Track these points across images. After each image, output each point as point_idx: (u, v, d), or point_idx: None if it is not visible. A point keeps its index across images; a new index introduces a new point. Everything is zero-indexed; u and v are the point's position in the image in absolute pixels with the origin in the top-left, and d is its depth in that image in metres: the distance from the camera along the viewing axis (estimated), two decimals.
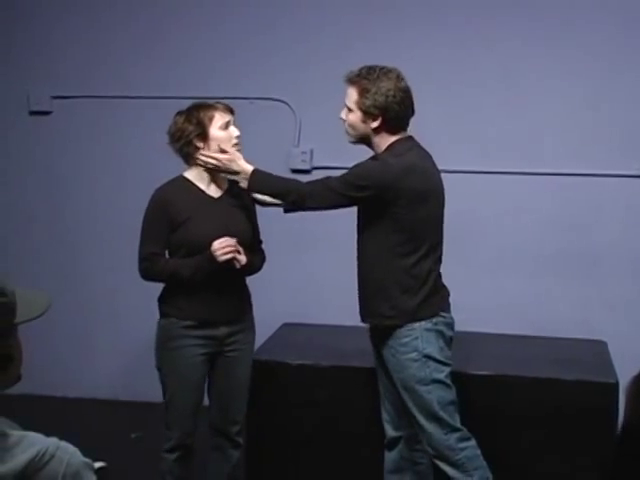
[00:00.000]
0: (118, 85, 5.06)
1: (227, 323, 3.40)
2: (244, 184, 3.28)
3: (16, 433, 1.66)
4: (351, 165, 4.58)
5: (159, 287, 3.49)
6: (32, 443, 1.65)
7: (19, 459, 1.62)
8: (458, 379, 3.77)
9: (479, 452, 3.30)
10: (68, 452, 1.67)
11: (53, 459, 1.64)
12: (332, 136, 4.54)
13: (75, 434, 2.03)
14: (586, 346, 4.23)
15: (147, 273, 3.42)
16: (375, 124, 3.17)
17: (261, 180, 3.28)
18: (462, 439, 3.27)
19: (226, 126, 3.35)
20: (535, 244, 4.70)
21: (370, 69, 3.18)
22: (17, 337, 1.74)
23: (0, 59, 5.21)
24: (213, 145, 3.33)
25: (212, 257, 3.25)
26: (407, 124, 3.24)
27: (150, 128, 5.06)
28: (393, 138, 3.21)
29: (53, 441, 1.67)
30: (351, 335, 3.46)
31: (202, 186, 3.40)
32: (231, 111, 3.39)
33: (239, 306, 3.46)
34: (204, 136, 3.32)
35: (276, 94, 4.81)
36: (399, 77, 3.18)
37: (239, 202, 3.46)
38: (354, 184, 3.17)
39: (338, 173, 4.77)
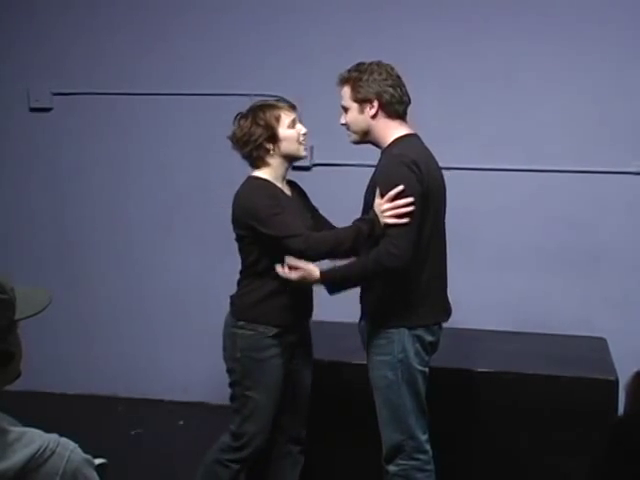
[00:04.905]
0: (119, 82, 5.06)
1: (303, 325, 3.42)
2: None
3: (16, 429, 1.66)
4: (351, 161, 4.63)
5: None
6: (32, 439, 1.65)
7: (20, 455, 1.62)
8: (458, 376, 3.78)
9: (430, 467, 3.26)
10: (68, 448, 1.67)
11: (54, 455, 1.64)
12: (332, 133, 4.52)
13: (75, 431, 2.03)
14: (586, 343, 4.24)
15: (310, 244, 3.16)
16: (372, 111, 3.15)
17: (335, 277, 3.11)
18: (418, 450, 3.24)
19: (293, 124, 3.30)
20: (536, 241, 4.69)
21: (359, 64, 3.21)
22: (17, 334, 1.74)
23: (1, 55, 5.20)
24: (283, 145, 3.27)
25: (376, 218, 3.06)
26: (405, 111, 3.22)
27: (151, 124, 5.08)
28: (394, 124, 3.18)
29: (53, 437, 1.67)
30: (352, 332, 3.45)
31: (279, 185, 3.33)
32: (294, 108, 3.36)
33: (312, 304, 3.46)
34: (274, 137, 3.26)
35: (275, 90, 4.79)
36: (390, 67, 3.21)
37: (306, 202, 3.47)
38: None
39: (338, 170, 4.83)
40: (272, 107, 3.30)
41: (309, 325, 3.50)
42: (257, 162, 3.31)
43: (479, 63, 4.67)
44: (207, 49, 4.97)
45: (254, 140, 3.25)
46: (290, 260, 3.13)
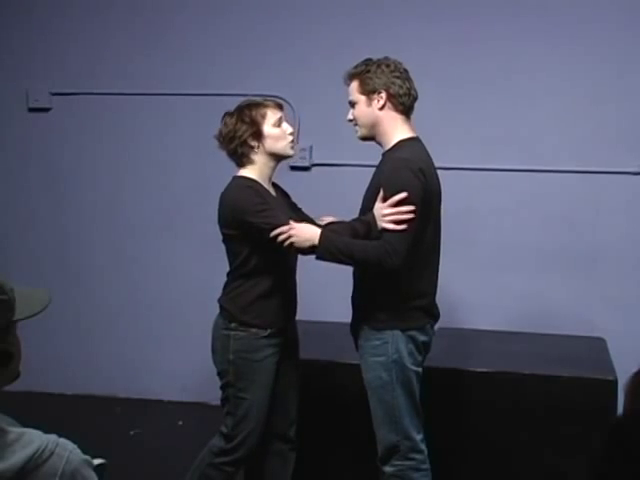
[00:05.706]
0: (117, 82, 5.06)
1: (291, 324, 3.42)
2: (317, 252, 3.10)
3: (15, 430, 1.66)
4: (350, 161, 4.63)
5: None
6: (31, 440, 1.65)
7: (19, 456, 1.62)
8: (456, 376, 3.78)
9: (426, 467, 3.26)
10: (67, 449, 1.67)
11: (53, 455, 1.64)
12: (331, 133, 4.56)
13: (74, 431, 2.03)
14: (585, 343, 4.24)
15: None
16: (380, 102, 3.15)
17: (335, 242, 3.06)
18: (413, 450, 3.24)
19: (279, 123, 3.30)
20: (535, 241, 4.69)
21: (367, 60, 3.22)
22: (16, 334, 1.74)
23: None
24: (268, 143, 3.27)
25: (373, 221, 3.07)
26: (412, 106, 3.22)
27: (150, 124, 5.08)
28: (400, 119, 3.18)
29: (52, 438, 1.67)
30: (344, 332, 3.44)
31: (265, 185, 3.33)
32: (280, 107, 3.35)
33: (297, 304, 3.47)
34: (258, 134, 3.26)
35: (275, 91, 4.80)
36: (398, 62, 3.22)
37: (290, 202, 3.47)
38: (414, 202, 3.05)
39: (338, 170, 4.84)
40: (258, 105, 3.31)
41: (295, 324, 3.51)
42: (242, 160, 3.31)
43: (478, 63, 4.67)
44: (207, 49, 4.97)
45: (239, 136, 3.26)
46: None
